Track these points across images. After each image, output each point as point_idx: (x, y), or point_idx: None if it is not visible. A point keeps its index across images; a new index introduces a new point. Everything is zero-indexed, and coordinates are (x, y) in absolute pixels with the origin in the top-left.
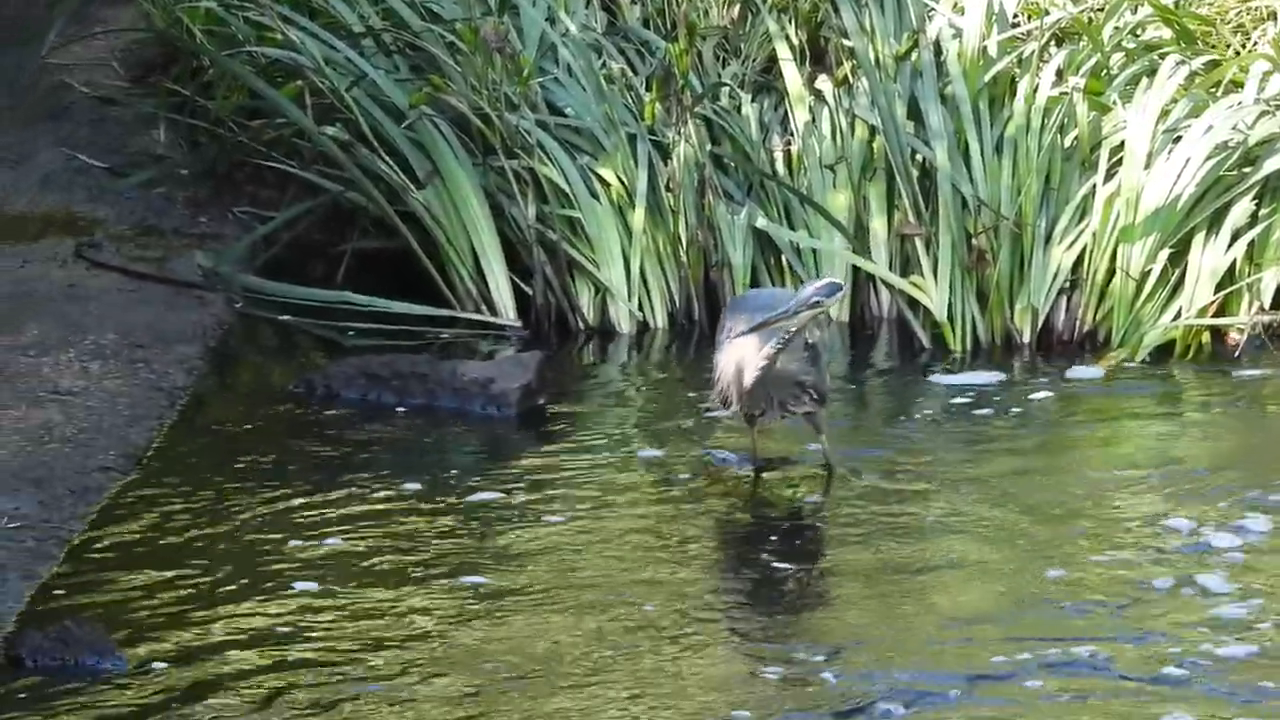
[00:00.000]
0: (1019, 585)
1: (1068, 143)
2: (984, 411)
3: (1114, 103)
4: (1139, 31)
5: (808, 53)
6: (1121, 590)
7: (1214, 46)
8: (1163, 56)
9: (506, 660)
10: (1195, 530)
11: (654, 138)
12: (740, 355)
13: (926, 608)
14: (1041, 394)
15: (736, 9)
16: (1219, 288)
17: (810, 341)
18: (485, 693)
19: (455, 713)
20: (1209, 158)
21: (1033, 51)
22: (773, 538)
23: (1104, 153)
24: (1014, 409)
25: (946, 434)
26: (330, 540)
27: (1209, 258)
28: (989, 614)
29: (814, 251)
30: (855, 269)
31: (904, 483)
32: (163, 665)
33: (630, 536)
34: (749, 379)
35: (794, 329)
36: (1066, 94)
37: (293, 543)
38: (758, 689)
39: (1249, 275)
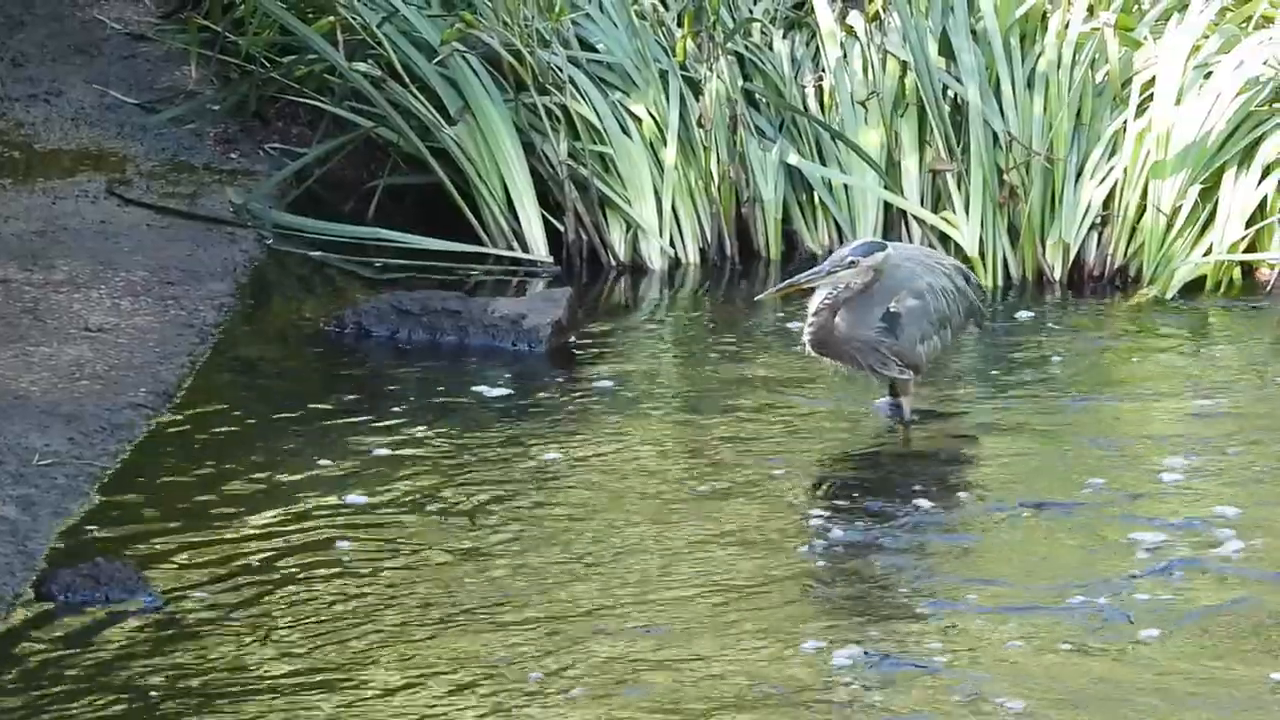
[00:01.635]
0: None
1: (1099, 78)
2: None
3: (1145, 38)
4: None
5: None
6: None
7: None
8: None
9: (530, 598)
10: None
11: (686, 74)
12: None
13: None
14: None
15: None
16: (1250, 223)
17: (893, 310)
18: (516, 626)
19: (486, 652)
20: (1240, 93)
21: None
22: (793, 475)
23: (1135, 88)
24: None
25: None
26: (361, 476)
27: (1240, 193)
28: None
29: (845, 187)
30: (887, 205)
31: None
32: (194, 601)
33: (660, 472)
34: (805, 337)
35: (832, 288)
36: (1097, 29)
37: (323, 479)
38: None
39: None
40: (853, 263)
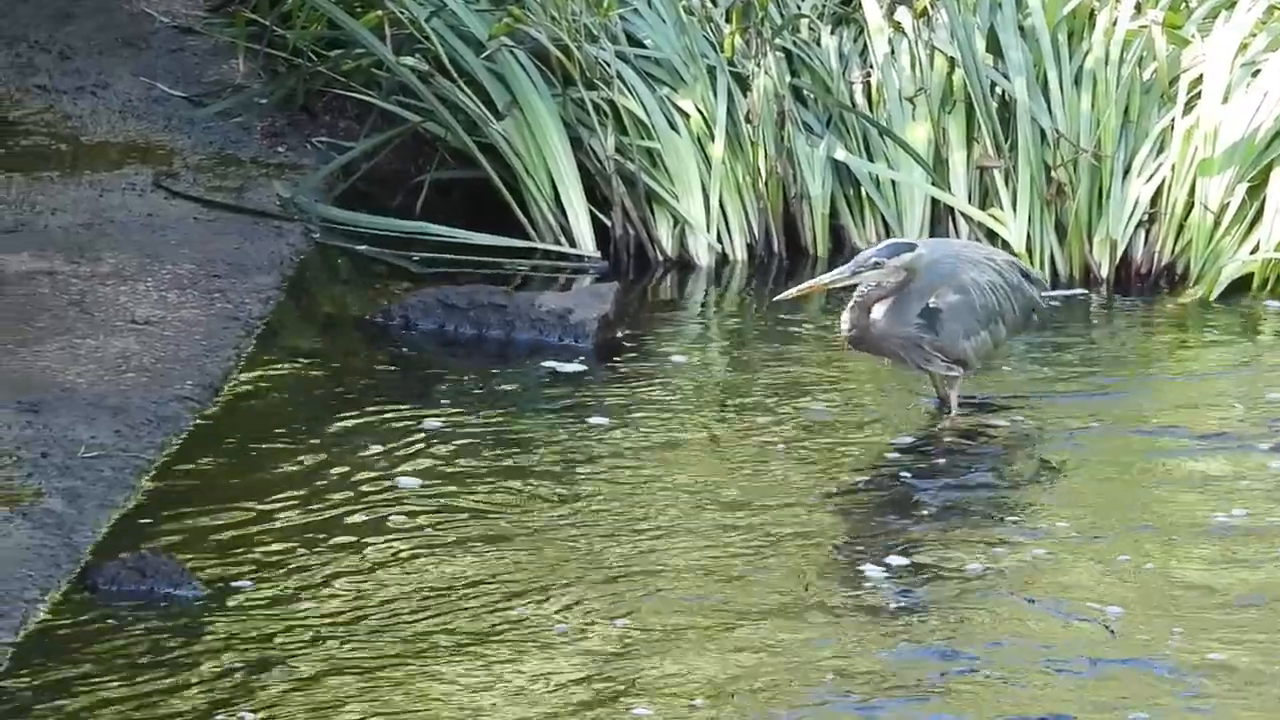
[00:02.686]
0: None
1: (1146, 76)
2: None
3: (1192, 36)
4: None
5: None
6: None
7: None
8: None
9: (585, 575)
10: None
11: (733, 69)
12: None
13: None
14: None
15: None
16: None
17: (932, 305)
18: (572, 608)
19: (540, 636)
20: None
21: None
22: (844, 466)
23: (1182, 86)
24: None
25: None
26: (407, 470)
27: None
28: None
29: (893, 183)
30: (934, 201)
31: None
32: (240, 594)
33: (706, 466)
34: (843, 333)
35: (864, 285)
36: (1145, 27)
37: (370, 473)
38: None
39: None
40: (878, 264)
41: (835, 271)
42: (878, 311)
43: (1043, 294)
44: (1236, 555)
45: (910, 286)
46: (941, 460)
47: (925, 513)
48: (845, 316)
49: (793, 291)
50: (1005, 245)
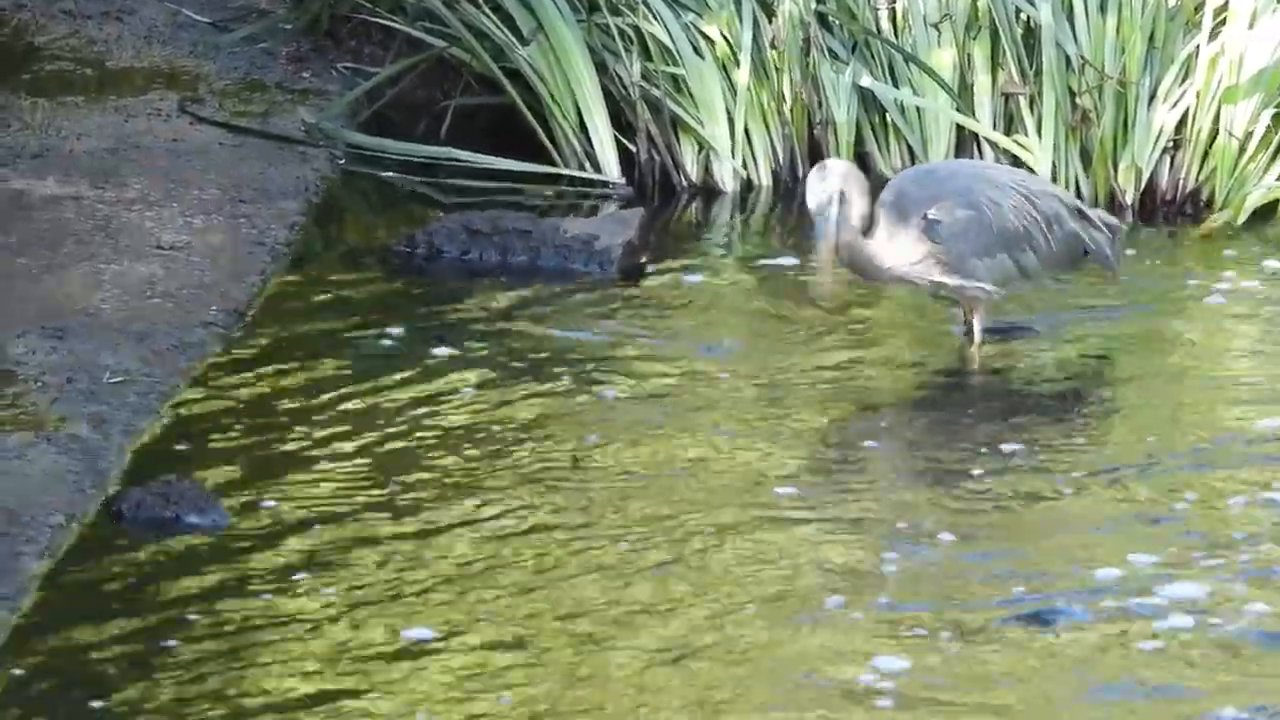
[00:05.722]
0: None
1: (1172, 2)
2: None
3: None
4: None
5: None
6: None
7: None
8: None
9: (605, 514)
10: None
11: None
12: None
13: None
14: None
15: None
16: None
17: (932, 216)
18: (590, 551)
19: (556, 572)
20: None
21: None
22: (858, 401)
23: (1208, 11)
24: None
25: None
26: (431, 395)
27: None
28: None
29: (918, 110)
30: (959, 127)
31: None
32: (265, 521)
33: (731, 394)
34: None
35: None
36: None
37: (396, 399)
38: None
39: None
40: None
41: (819, 235)
42: (877, 241)
43: (1105, 234)
44: None
45: (908, 207)
46: (964, 391)
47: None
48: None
49: (821, 277)
50: (1030, 172)
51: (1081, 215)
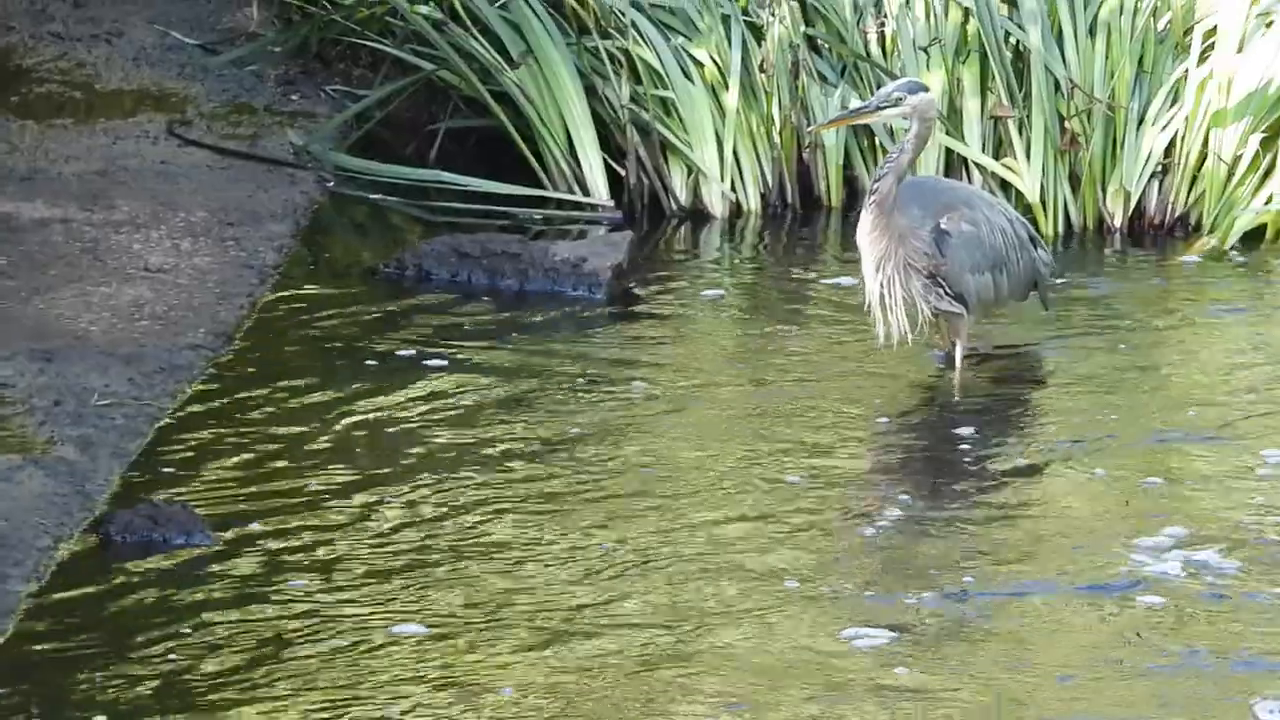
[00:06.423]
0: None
1: (1161, 26)
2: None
3: None
4: None
5: None
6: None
7: None
8: None
9: (598, 535)
10: None
11: (748, 19)
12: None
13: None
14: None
15: None
16: None
17: (944, 226)
18: (587, 577)
19: (541, 593)
20: None
21: None
22: (844, 426)
23: (1197, 36)
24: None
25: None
26: (419, 422)
27: None
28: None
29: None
30: (949, 151)
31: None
32: (251, 543)
33: (718, 416)
34: (871, 198)
35: (887, 160)
36: None
37: (381, 423)
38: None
39: None
40: (899, 99)
41: (861, 104)
42: (897, 214)
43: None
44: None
45: (927, 194)
46: (941, 417)
47: (922, 467)
48: (874, 186)
49: (823, 123)
50: (1019, 196)
51: (1035, 244)
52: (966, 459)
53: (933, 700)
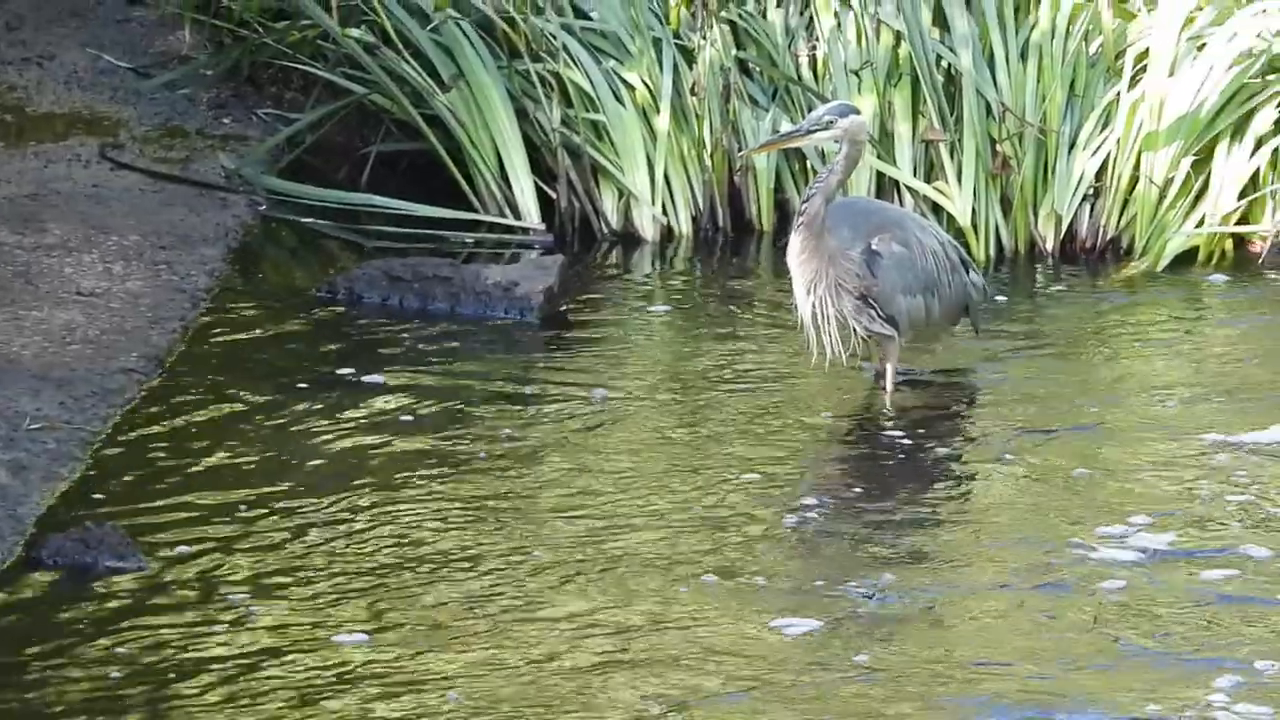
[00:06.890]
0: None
1: (1093, 49)
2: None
3: (1139, 9)
4: None
5: None
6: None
7: None
8: None
9: (535, 552)
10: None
11: (679, 42)
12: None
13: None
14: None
15: None
16: (1242, 195)
17: (874, 248)
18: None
19: (483, 610)
20: (1233, 65)
21: None
22: (777, 439)
23: (1129, 59)
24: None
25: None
26: (351, 442)
27: (1232, 165)
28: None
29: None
30: (879, 175)
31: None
32: (184, 566)
33: (651, 428)
34: (799, 222)
35: (819, 180)
36: (1092, 0)
37: (314, 444)
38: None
39: (1272, 183)
40: (830, 122)
41: (792, 128)
42: (829, 232)
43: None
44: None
45: (858, 215)
46: (877, 426)
47: (856, 488)
48: (803, 206)
49: (755, 147)
50: (950, 219)
51: (968, 268)
52: (905, 463)
53: (872, 681)
